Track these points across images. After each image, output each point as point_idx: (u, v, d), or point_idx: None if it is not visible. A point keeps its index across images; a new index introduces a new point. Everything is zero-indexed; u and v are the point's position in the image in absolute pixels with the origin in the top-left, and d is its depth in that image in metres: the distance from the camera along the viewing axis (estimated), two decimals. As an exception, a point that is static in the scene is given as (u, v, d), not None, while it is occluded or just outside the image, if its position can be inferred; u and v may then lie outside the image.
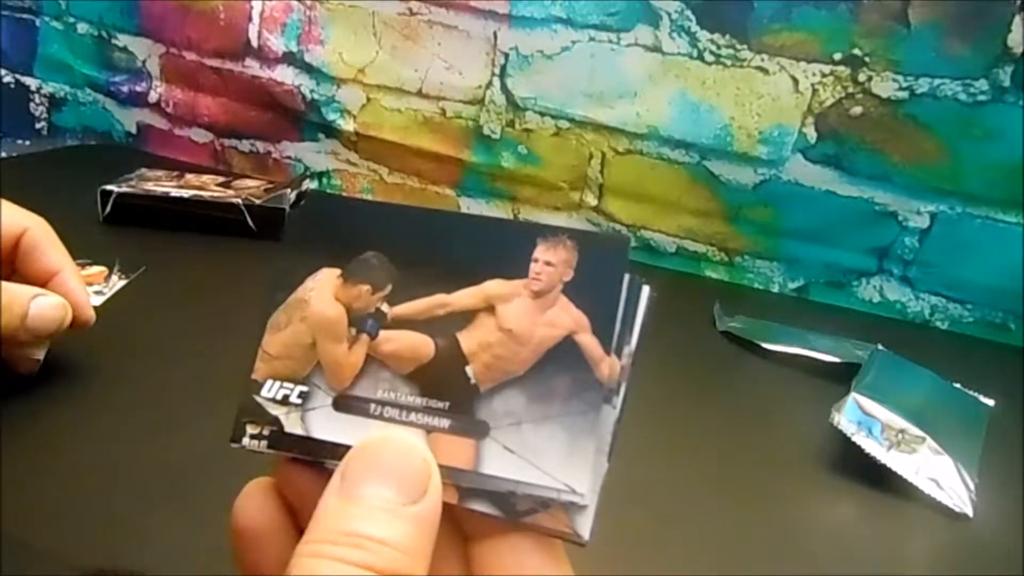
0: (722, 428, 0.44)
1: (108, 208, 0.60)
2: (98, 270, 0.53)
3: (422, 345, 0.21)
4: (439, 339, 0.21)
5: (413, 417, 0.20)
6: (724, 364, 0.52)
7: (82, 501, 0.33)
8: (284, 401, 0.21)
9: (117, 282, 0.52)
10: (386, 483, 0.18)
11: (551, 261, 0.21)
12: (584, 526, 0.19)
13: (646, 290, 0.21)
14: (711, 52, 0.60)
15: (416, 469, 0.19)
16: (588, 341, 0.20)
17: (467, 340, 0.21)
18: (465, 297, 0.21)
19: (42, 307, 0.37)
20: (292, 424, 0.21)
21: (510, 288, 0.21)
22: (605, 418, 0.20)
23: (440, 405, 0.20)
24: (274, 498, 0.21)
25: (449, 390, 0.21)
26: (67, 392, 0.41)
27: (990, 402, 0.48)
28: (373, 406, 0.21)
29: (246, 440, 0.21)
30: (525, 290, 0.21)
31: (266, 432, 0.21)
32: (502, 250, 0.21)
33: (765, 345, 0.52)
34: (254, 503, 0.21)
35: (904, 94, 0.56)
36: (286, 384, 0.21)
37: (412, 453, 0.19)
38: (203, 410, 0.31)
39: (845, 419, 0.40)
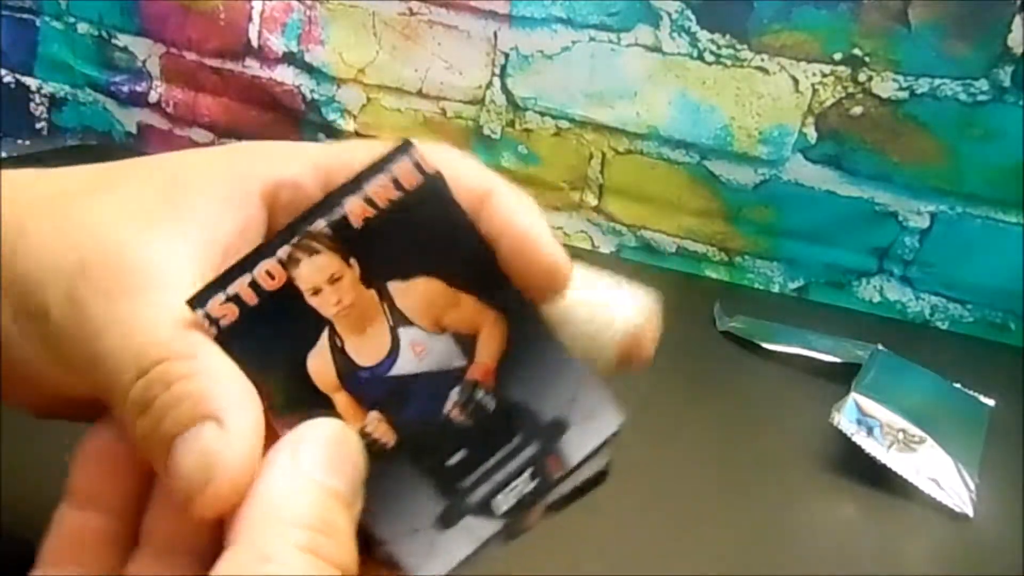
0: (722, 428, 0.44)
1: (108, 208, 0.60)
2: (98, 270, 0.53)
3: None
4: None
5: None
6: (724, 364, 0.52)
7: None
8: None
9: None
10: (350, 477, 0.18)
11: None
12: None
13: None
14: (711, 52, 0.60)
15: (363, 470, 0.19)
16: None
17: None
18: None
19: None
20: None
21: None
22: None
23: None
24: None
25: None
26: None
27: (990, 402, 0.48)
28: None
29: (200, 311, 0.18)
30: None
31: (231, 319, 0.18)
32: None
33: (765, 345, 0.52)
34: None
35: (904, 94, 0.56)
36: None
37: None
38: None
39: (845, 419, 0.40)
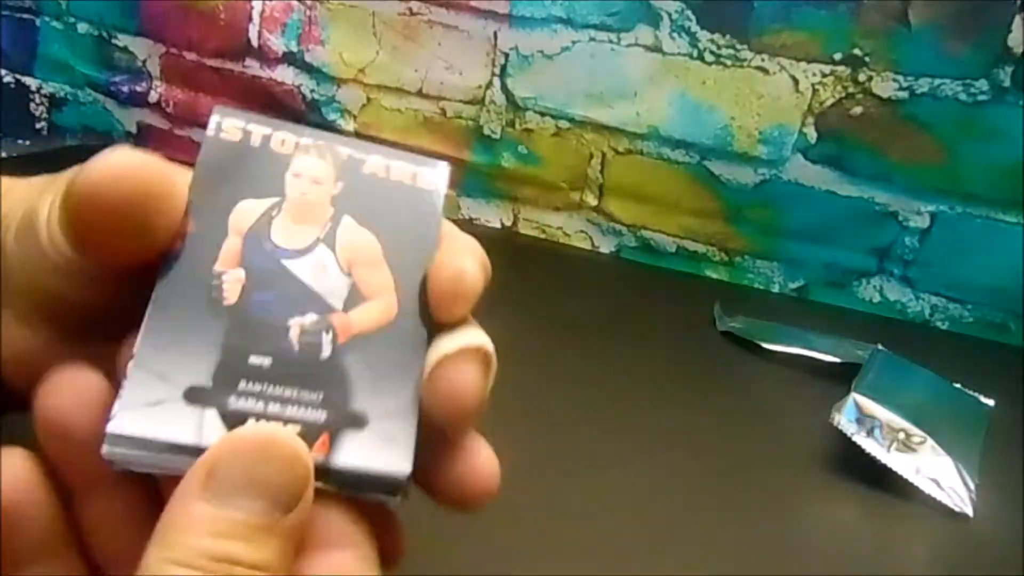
0: (722, 428, 0.44)
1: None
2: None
3: None
4: None
5: None
6: (724, 364, 0.52)
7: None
8: None
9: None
10: (264, 494, 0.17)
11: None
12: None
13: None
14: (711, 52, 0.60)
15: (297, 478, 0.17)
16: None
17: None
18: None
19: None
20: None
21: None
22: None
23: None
24: (37, 466, 0.19)
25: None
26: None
27: (990, 402, 0.48)
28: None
29: (216, 116, 0.21)
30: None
31: (230, 143, 0.21)
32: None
33: (765, 345, 0.52)
34: (17, 475, 0.19)
35: (904, 94, 0.56)
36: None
37: (296, 460, 0.17)
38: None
39: (845, 419, 0.40)
